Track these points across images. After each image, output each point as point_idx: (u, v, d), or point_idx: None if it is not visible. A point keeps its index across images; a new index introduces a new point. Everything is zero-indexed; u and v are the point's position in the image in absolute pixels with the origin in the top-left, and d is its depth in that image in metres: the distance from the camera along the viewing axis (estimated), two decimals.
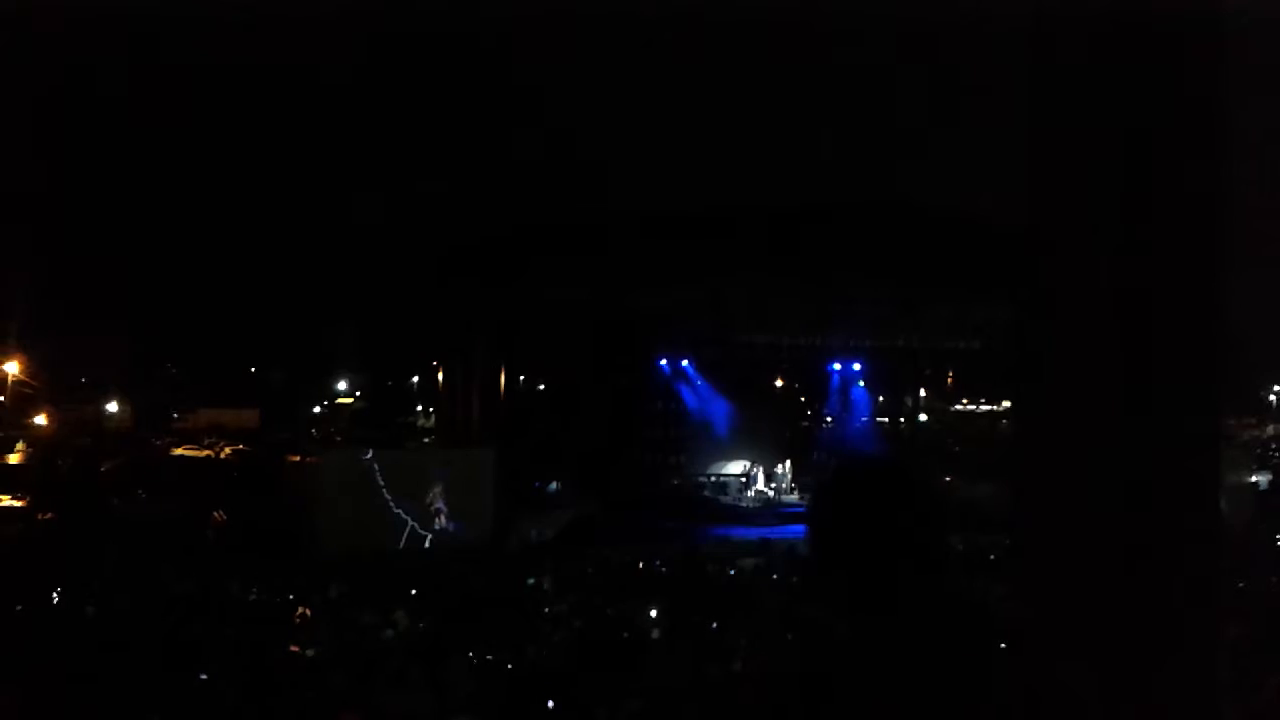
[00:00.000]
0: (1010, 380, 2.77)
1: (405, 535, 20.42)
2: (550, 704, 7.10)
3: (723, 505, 26.02)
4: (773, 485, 26.99)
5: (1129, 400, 2.39)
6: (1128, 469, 2.39)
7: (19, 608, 10.65)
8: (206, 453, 32.13)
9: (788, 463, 28.19)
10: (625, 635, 10.38)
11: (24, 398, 30.02)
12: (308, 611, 11.35)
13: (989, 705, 2.06)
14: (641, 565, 16.88)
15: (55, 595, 11.36)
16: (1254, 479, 27.95)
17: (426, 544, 20.48)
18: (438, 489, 20.94)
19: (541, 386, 30.56)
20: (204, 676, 6.96)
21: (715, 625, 11.08)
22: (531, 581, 14.57)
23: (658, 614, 11.68)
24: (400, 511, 20.52)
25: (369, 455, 21.21)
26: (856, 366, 29.65)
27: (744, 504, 26.17)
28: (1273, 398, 48.14)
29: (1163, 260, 2.41)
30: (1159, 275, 2.40)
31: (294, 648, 9.05)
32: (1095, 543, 2.42)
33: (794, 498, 27.18)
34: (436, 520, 20.79)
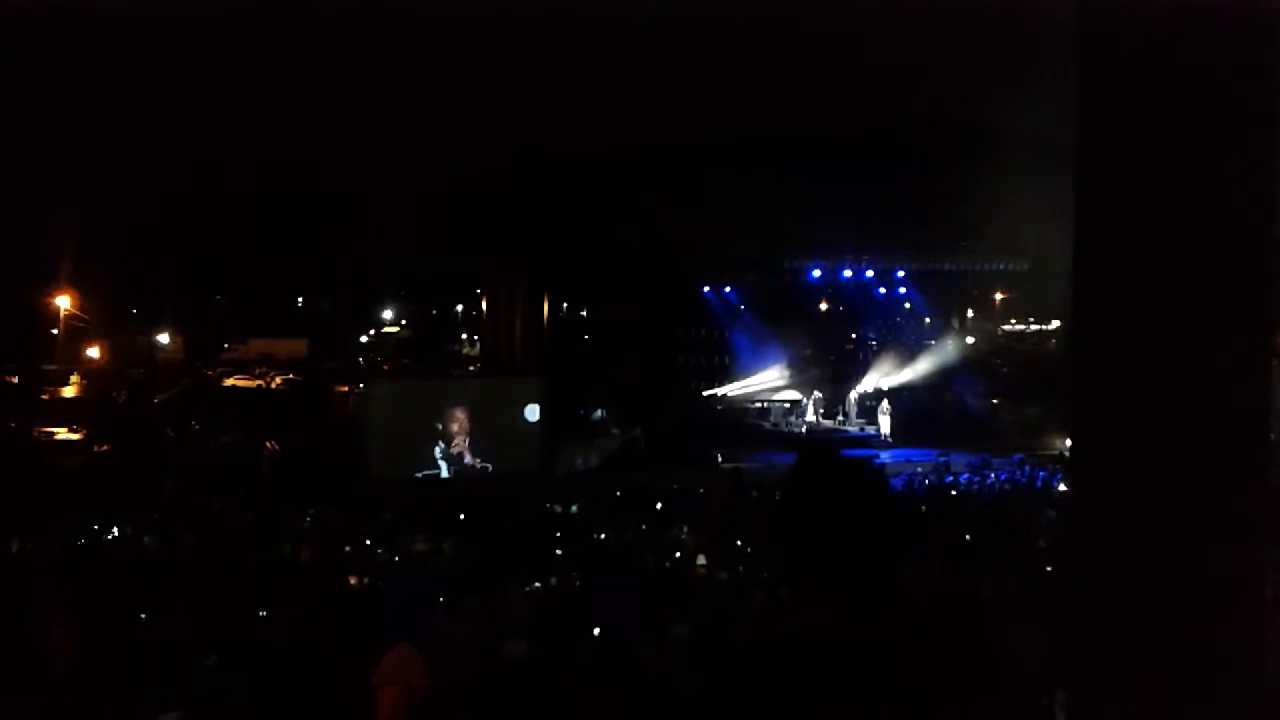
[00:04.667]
0: (1064, 304, 2.75)
1: (452, 463, 20.72)
2: (597, 631, 7.19)
3: (766, 431, 26.06)
4: (818, 411, 26.94)
5: (1179, 323, 2.36)
6: (1178, 391, 2.37)
7: (79, 540, 10.93)
8: (257, 383, 32.60)
9: (833, 388, 28.15)
10: (669, 562, 10.48)
11: (77, 331, 30.51)
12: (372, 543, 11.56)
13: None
14: (686, 492, 16.99)
15: (115, 527, 11.64)
16: None
17: (475, 471, 20.78)
18: (486, 418, 21.17)
19: (585, 314, 30.62)
20: (263, 613, 7.11)
21: (759, 551, 11.16)
22: (577, 509, 14.73)
23: (701, 540, 11.77)
24: (447, 440, 20.82)
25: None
26: (902, 290, 29.38)
27: (787, 429, 26.18)
28: None
29: (1217, 185, 2.36)
30: (1212, 201, 2.35)
31: (352, 579, 9.20)
32: (1146, 467, 2.41)
33: (838, 422, 27.19)
34: (487, 445, 21.04)
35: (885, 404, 25.09)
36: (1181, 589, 2.41)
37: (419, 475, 20.37)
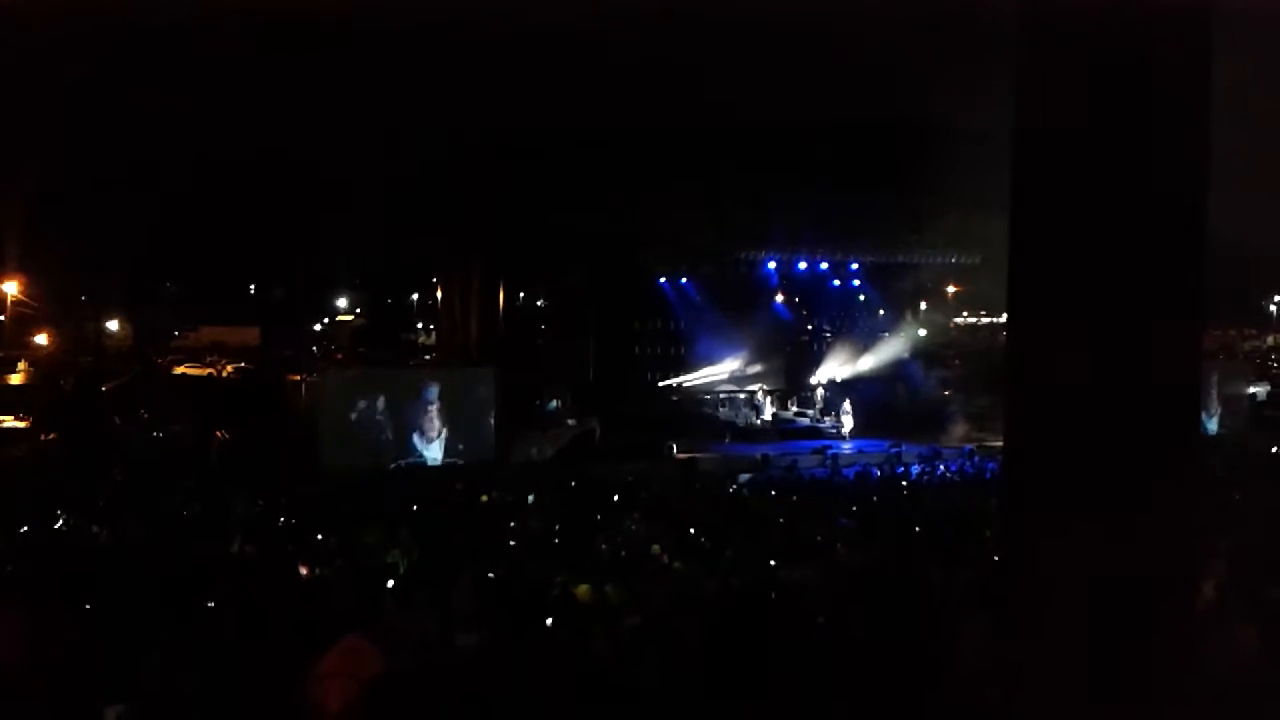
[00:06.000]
0: (1006, 292, 2.80)
1: (405, 453, 20.61)
2: (549, 621, 7.19)
3: (723, 422, 26.19)
4: (773, 402, 27.13)
5: (1113, 316, 2.42)
6: (1112, 383, 2.42)
7: (24, 530, 10.76)
8: (208, 371, 32.24)
9: (788, 379, 28.35)
10: (623, 552, 10.49)
11: (24, 317, 30.02)
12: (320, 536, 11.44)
13: None
14: (641, 483, 17.01)
15: (61, 517, 11.47)
16: (1252, 390, 28.11)
17: (428, 462, 20.68)
18: (439, 408, 21.07)
19: (541, 303, 30.58)
20: (210, 604, 7.05)
21: (713, 541, 11.21)
22: (531, 499, 14.70)
23: (656, 530, 11.80)
24: (401, 430, 20.70)
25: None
26: (857, 282, 29.60)
27: (744, 420, 26.33)
28: (1274, 308, 48.12)
29: (1150, 180, 2.41)
30: (1146, 196, 2.40)
31: (303, 569, 9.10)
32: (1079, 459, 2.46)
33: (794, 413, 27.39)
34: (441, 436, 20.97)
35: (847, 403, 25.27)
36: (1116, 580, 2.46)
37: (402, 463, 20.35)
